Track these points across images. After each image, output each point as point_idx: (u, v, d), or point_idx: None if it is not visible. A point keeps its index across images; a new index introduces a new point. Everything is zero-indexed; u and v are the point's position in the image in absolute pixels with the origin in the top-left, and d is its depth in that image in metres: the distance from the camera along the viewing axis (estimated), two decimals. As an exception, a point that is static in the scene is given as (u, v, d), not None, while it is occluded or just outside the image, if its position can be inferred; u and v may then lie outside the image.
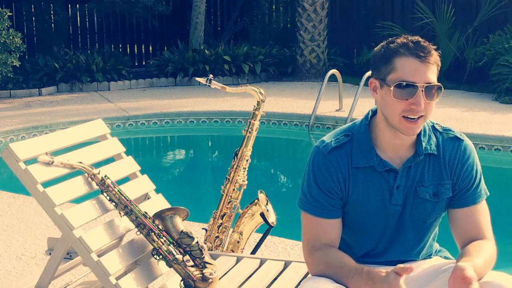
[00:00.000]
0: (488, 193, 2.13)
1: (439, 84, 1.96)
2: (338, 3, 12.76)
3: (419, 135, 2.04)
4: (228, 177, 3.36)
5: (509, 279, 1.91)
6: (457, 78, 10.77)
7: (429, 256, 2.20)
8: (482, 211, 2.09)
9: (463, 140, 2.10)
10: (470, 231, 2.07)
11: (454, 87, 10.44)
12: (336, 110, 8.37)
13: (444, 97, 9.48)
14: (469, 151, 2.10)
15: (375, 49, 2.07)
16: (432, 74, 1.96)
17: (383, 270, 1.87)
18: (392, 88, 1.95)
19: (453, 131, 2.12)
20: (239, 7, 14.36)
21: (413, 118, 1.95)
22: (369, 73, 8.48)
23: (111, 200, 2.60)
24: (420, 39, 2.00)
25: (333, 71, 8.38)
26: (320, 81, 10.32)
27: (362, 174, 2.05)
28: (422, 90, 1.93)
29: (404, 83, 1.93)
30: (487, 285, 1.88)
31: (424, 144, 2.05)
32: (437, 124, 2.12)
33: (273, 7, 14.93)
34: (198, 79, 3.44)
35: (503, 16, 10.58)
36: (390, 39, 2.04)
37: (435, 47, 2.00)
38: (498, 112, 8.29)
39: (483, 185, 2.12)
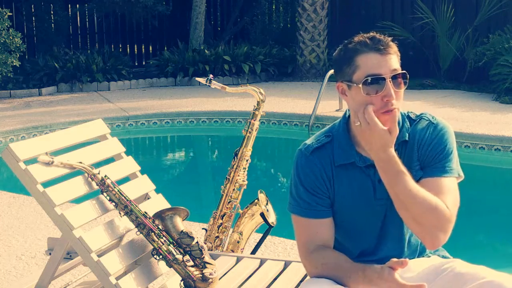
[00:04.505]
0: (462, 176, 2.08)
1: (404, 71, 2.00)
2: (338, 3, 12.77)
3: None
4: (228, 177, 3.36)
5: (509, 279, 1.91)
6: (457, 78, 10.77)
7: (426, 254, 2.20)
8: (447, 186, 2.02)
9: (433, 122, 2.10)
10: None
11: (454, 87, 10.45)
12: (336, 110, 8.37)
13: (444, 97, 9.49)
14: (439, 129, 2.08)
15: (334, 53, 2.11)
16: (395, 63, 1.99)
17: (378, 267, 1.89)
18: (360, 86, 1.97)
19: (426, 116, 2.12)
20: (239, 7, 14.36)
21: (389, 110, 1.97)
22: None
23: (111, 200, 2.60)
24: (375, 34, 2.03)
25: (333, 71, 8.37)
26: (320, 81, 10.31)
27: (346, 172, 2.08)
28: (390, 81, 1.96)
29: (371, 78, 1.96)
30: (488, 285, 1.88)
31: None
32: (411, 112, 2.15)
33: (273, 7, 14.94)
34: (198, 79, 3.44)
35: (503, 16, 10.58)
36: (346, 41, 2.08)
37: (391, 38, 2.04)
38: (498, 112, 8.29)
39: (455, 165, 2.07)
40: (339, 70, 2.06)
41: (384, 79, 1.96)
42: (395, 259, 1.86)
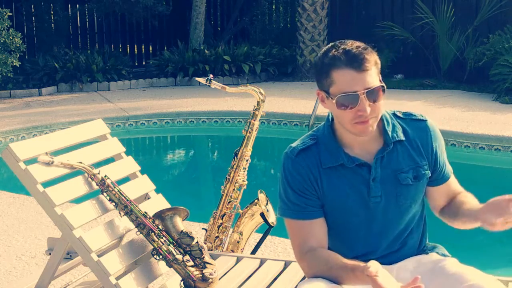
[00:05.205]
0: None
1: (379, 85, 1.98)
2: (338, 3, 12.76)
3: (383, 125, 2.09)
4: (228, 177, 3.36)
5: (492, 282, 1.91)
6: (457, 78, 10.77)
7: (425, 251, 2.21)
8: (455, 179, 2.23)
9: (426, 120, 2.16)
10: (451, 196, 2.21)
11: (454, 87, 10.45)
12: (336, 110, 8.37)
13: (444, 97, 9.49)
14: (436, 129, 2.17)
15: (314, 59, 2.11)
16: (371, 78, 1.97)
17: (363, 267, 1.89)
18: (334, 101, 1.99)
19: (415, 114, 2.17)
20: (239, 7, 14.36)
21: (364, 120, 1.99)
22: None
23: (111, 200, 2.60)
24: (351, 46, 1.99)
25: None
26: (320, 81, 10.31)
27: (335, 173, 2.09)
28: (364, 97, 1.96)
29: (345, 95, 1.96)
30: None
31: (390, 133, 2.10)
32: (397, 111, 2.18)
33: (273, 7, 14.94)
34: (198, 79, 3.44)
35: (503, 16, 10.58)
36: (325, 49, 2.05)
37: (368, 48, 2.00)
38: (498, 112, 8.29)
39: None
40: (318, 79, 2.06)
41: (357, 95, 1.95)
42: (369, 268, 1.85)
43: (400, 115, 2.16)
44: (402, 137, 2.10)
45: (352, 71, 1.96)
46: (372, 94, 1.97)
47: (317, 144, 2.12)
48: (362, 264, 1.92)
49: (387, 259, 2.13)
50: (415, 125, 2.14)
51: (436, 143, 2.14)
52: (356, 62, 1.95)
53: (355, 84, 1.96)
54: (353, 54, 1.97)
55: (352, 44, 2.00)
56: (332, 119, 2.13)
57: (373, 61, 1.99)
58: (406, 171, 2.09)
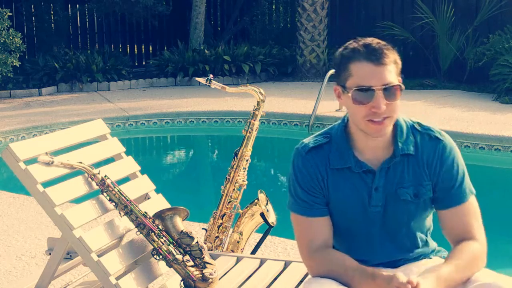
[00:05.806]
0: (474, 191, 2.10)
1: (397, 84, 1.95)
2: (338, 3, 12.77)
3: (395, 136, 2.05)
4: (228, 177, 3.36)
5: (506, 281, 1.90)
6: (457, 78, 10.77)
7: (428, 256, 2.19)
8: (469, 210, 2.07)
9: (442, 140, 2.07)
10: (458, 231, 2.06)
11: (454, 87, 10.45)
12: (336, 110, 8.37)
13: (444, 97, 9.49)
14: (448, 150, 2.06)
15: (335, 54, 2.09)
16: (389, 74, 1.94)
17: (387, 276, 1.86)
18: (350, 94, 1.96)
19: (433, 131, 2.09)
20: (239, 7, 14.36)
21: (378, 120, 1.95)
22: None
23: (111, 200, 2.60)
24: (372, 41, 1.98)
25: (333, 71, 8.33)
26: (320, 81, 10.31)
27: (341, 176, 2.07)
28: (381, 93, 1.93)
29: (361, 88, 1.94)
30: (483, 287, 1.88)
31: (400, 145, 2.04)
32: (417, 123, 2.10)
33: (273, 7, 14.94)
34: (198, 79, 3.44)
35: (503, 16, 10.58)
36: (346, 44, 2.04)
37: (389, 46, 1.98)
38: (498, 112, 8.29)
39: (467, 184, 2.09)
40: (337, 74, 2.05)
41: (373, 91, 1.92)
42: (401, 280, 1.82)
43: (418, 128, 2.08)
44: (412, 152, 2.05)
45: (370, 64, 1.93)
46: (389, 92, 1.93)
47: (330, 143, 2.09)
48: (384, 272, 1.88)
49: (389, 265, 2.11)
50: (428, 143, 2.06)
51: (443, 166, 2.05)
52: (374, 56, 1.93)
53: (371, 78, 1.93)
54: (373, 47, 1.95)
55: (373, 40, 1.99)
56: (348, 120, 2.10)
57: (392, 58, 1.96)
58: (406, 186, 2.04)
